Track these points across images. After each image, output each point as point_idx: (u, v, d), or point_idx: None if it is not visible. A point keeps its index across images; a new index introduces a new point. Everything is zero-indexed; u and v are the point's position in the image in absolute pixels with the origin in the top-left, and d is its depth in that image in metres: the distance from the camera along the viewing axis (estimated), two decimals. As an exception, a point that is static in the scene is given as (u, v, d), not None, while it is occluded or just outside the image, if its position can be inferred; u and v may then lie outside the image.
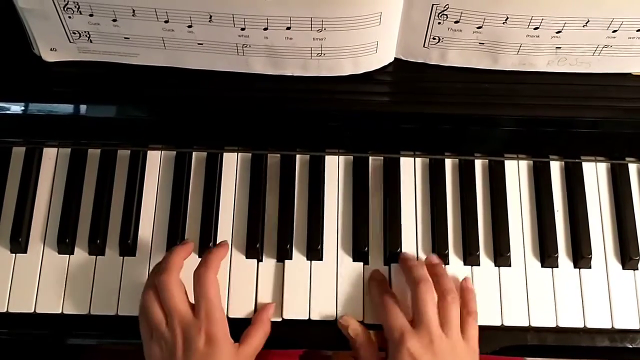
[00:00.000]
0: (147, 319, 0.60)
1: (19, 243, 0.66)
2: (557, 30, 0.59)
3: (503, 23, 0.58)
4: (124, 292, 0.66)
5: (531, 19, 0.58)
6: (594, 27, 0.59)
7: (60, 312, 0.65)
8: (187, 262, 0.63)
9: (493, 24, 0.59)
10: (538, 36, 0.60)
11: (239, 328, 0.61)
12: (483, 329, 0.63)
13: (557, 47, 0.61)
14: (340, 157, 0.71)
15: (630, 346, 0.65)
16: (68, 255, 0.67)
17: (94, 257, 0.67)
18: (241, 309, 0.65)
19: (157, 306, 0.60)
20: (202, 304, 0.59)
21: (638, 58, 0.62)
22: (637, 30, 0.59)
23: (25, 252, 0.67)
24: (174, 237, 0.67)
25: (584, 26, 0.59)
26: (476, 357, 0.61)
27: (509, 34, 0.60)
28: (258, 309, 0.65)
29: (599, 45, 0.61)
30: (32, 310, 0.65)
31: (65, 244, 0.66)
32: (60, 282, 0.66)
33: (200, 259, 0.63)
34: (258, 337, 0.62)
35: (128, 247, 0.67)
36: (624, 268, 0.67)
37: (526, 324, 0.65)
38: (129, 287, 0.66)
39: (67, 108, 0.66)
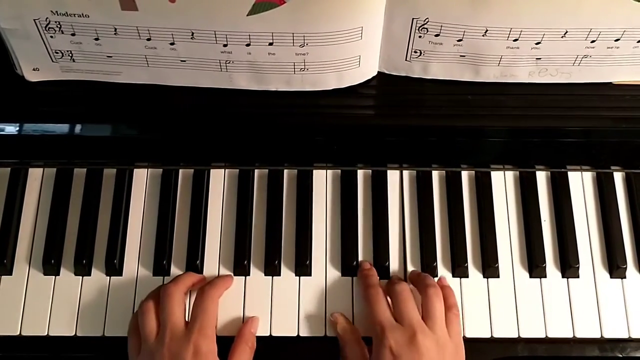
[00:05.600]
0: (141, 325, 0.60)
1: (4, 265, 0.66)
2: (536, 42, 0.60)
3: (483, 35, 0.59)
4: (110, 312, 0.65)
5: (510, 30, 0.58)
6: (573, 38, 0.59)
7: (46, 334, 0.64)
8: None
9: (473, 36, 0.59)
10: (518, 47, 0.60)
11: (227, 347, 0.61)
12: (473, 341, 0.63)
13: (537, 58, 0.62)
14: (327, 171, 0.71)
15: (621, 355, 0.64)
16: (54, 276, 0.66)
17: (80, 277, 0.66)
18: (229, 327, 0.64)
19: (153, 315, 0.60)
20: (199, 316, 0.59)
21: (618, 67, 0.63)
22: (616, 40, 0.60)
23: (10, 273, 0.66)
24: (161, 255, 0.67)
25: (562, 37, 0.59)
26: (461, 353, 0.60)
27: (489, 46, 0.60)
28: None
29: (578, 56, 0.62)
30: (18, 333, 0.64)
31: (50, 265, 0.66)
32: (46, 304, 0.65)
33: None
34: (244, 353, 0.61)
35: (114, 266, 0.66)
36: (611, 277, 0.67)
37: (516, 335, 0.65)
38: (116, 308, 0.65)
39: (52, 127, 0.66)
